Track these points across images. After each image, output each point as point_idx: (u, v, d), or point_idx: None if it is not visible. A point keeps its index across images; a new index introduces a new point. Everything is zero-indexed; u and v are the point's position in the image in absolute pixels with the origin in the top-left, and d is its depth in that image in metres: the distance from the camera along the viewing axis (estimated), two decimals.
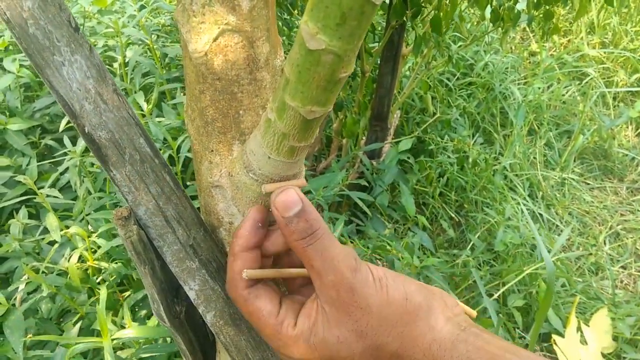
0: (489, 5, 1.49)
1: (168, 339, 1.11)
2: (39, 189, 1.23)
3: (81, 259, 1.20)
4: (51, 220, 1.16)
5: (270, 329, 0.41)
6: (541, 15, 1.56)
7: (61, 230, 1.21)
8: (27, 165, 1.53)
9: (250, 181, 0.48)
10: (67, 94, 0.45)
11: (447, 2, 1.47)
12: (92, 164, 1.50)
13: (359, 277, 0.39)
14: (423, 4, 1.41)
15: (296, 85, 0.40)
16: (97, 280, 1.22)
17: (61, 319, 1.31)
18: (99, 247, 1.21)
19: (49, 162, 1.66)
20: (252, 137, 0.47)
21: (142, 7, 1.77)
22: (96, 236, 1.17)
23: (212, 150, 0.51)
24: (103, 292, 1.00)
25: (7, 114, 1.70)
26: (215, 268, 0.54)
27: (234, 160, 0.50)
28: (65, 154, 1.52)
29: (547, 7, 1.51)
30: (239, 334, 0.56)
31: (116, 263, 1.19)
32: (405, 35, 1.63)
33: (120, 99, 0.47)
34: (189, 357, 0.61)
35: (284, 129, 0.43)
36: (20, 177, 1.10)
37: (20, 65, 1.77)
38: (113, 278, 1.20)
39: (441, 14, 1.48)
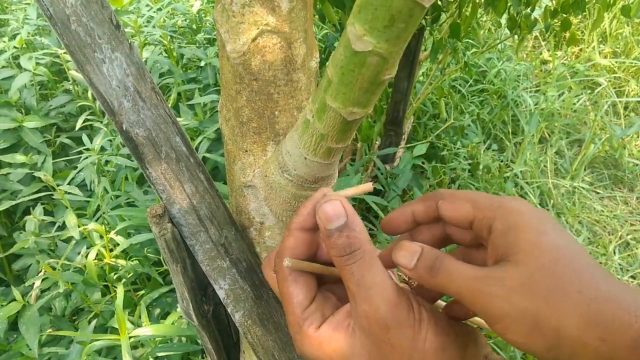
0: (504, 12, 1.49)
1: (183, 339, 1.12)
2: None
3: (97, 257, 1.20)
4: (70, 218, 1.17)
5: (293, 319, 0.40)
6: (558, 24, 1.56)
7: (78, 227, 1.21)
8: (42, 163, 1.54)
9: (284, 182, 0.48)
10: (107, 91, 0.46)
11: (467, 7, 1.47)
12: (107, 162, 1.50)
13: (396, 313, 0.37)
14: (444, 9, 1.41)
15: (338, 86, 0.40)
16: (114, 278, 1.22)
17: (74, 317, 1.31)
18: (114, 245, 1.21)
19: (64, 160, 1.67)
20: (288, 137, 0.48)
21: (159, 9, 1.77)
22: (114, 233, 1.17)
23: (246, 151, 0.51)
24: (120, 290, 1.00)
25: (23, 111, 1.71)
26: (245, 268, 0.54)
27: (268, 161, 0.50)
28: (79, 152, 1.52)
29: (565, 16, 1.50)
30: (267, 334, 0.56)
31: (133, 261, 1.20)
32: (422, 41, 1.63)
33: (158, 97, 0.48)
34: (214, 356, 0.61)
35: (322, 130, 0.43)
36: (40, 174, 1.10)
37: (37, 64, 1.77)
38: (130, 275, 1.20)
39: (459, 20, 1.48)
